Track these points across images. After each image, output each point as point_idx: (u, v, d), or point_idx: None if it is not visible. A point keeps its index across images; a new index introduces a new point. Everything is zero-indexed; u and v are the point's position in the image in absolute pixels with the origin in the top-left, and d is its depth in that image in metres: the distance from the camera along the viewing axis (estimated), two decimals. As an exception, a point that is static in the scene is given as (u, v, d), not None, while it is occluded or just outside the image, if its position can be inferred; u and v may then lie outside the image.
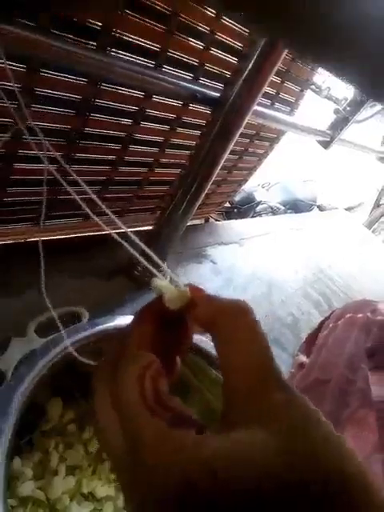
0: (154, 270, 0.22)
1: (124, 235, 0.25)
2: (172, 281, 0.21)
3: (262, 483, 0.14)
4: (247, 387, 0.16)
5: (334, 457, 0.14)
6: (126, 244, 0.23)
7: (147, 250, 0.23)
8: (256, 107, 0.52)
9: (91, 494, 0.40)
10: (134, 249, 0.24)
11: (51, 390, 0.43)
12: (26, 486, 0.37)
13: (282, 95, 0.70)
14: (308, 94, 1.03)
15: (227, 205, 1.48)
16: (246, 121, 0.50)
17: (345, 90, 0.97)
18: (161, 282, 0.20)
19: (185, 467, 0.14)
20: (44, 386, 0.38)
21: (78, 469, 0.41)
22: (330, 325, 0.69)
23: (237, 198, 1.74)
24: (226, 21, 0.48)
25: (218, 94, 0.52)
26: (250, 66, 0.46)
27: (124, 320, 0.45)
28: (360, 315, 0.70)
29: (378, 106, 0.96)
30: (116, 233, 0.25)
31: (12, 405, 0.34)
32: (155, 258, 0.23)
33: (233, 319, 0.18)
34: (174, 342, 0.21)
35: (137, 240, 0.24)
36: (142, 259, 0.23)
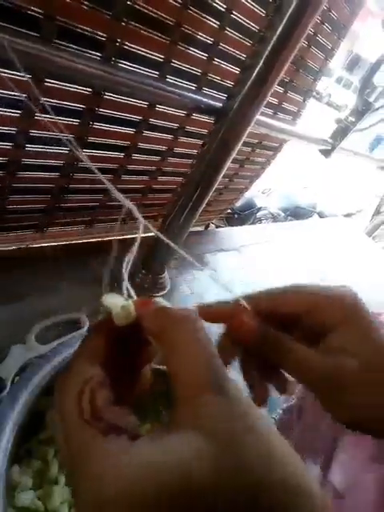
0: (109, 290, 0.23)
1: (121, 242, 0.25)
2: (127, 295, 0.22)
3: (185, 492, 0.14)
4: (186, 393, 0.16)
5: (261, 465, 0.14)
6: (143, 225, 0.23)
7: (161, 236, 0.24)
8: (259, 117, 0.53)
9: (90, 504, 0.40)
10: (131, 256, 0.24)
11: (51, 399, 0.43)
12: (24, 495, 0.37)
13: (285, 105, 0.71)
14: (309, 101, 1.04)
15: (228, 211, 1.48)
16: (248, 131, 0.51)
17: (345, 97, 0.98)
18: (109, 299, 0.21)
19: (109, 475, 0.14)
20: (44, 394, 0.38)
21: (77, 478, 0.41)
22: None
23: (237, 204, 1.74)
24: (229, 31, 0.49)
25: (220, 105, 0.52)
26: (253, 76, 0.46)
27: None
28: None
29: (380, 115, 0.97)
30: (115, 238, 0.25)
31: (11, 413, 0.34)
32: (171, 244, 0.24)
33: (172, 329, 0.18)
34: (136, 354, 0.22)
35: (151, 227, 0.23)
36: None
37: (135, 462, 0.15)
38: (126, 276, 0.23)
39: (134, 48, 0.41)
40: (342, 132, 0.86)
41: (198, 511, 0.14)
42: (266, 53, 0.45)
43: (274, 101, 0.68)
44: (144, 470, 0.14)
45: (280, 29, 0.43)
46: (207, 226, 1.22)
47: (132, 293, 0.22)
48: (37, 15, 0.33)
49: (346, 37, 0.71)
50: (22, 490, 0.37)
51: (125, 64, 0.42)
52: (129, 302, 0.20)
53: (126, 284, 0.23)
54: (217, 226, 1.33)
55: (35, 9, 0.33)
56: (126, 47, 0.40)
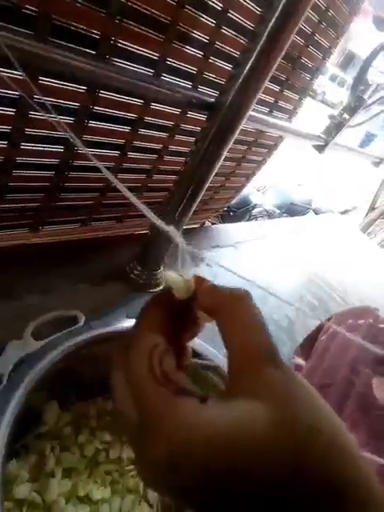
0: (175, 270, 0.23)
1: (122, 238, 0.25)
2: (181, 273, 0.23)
3: (255, 450, 0.15)
4: (246, 364, 0.18)
5: (313, 425, 0.16)
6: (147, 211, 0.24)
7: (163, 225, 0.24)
8: (252, 113, 0.53)
9: (87, 497, 0.41)
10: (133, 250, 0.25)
11: (47, 394, 0.43)
12: (22, 488, 0.37)
13: (281, 103, 0.71)
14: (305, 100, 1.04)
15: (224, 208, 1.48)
16: (241, 126, 0.51)
17: (339, 95, 0.98)
18: (170, 274, 0.22)
19: (183, 431, 0.16)
20: (40, 389, 0.38)
21: (74, 471, 0.42)
22: (330, 330, 0.70)
23: (233, 201, 1.75)
24: (225, 30, 0.49)
25: (213, 100, 0.53)
26: (245, 71, 0.46)
27: (120, 324, 0.46)
28: (361, 321, 0.71)
29: (372, 112, 0.97)
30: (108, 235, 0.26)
31: (8, 408, 0.35)
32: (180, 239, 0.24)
33: (232, 305, 0.20)
34: (183, 330, 0.23)
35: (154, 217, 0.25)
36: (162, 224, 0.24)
37: (207, 420, 0.16)
38: (182, 247, 0.23)
39: (128, 46, 0.41)
40: (335, 128, 0.87)
41: (262, 462, 0.15)
42: (258, 48, 0.45)
43: (270, 99, 0.68)
44: (216, 428, 0.16)
45: (271, 24, 0.44)
46: (203, 224, 1.22)
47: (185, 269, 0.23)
48: (31, 13, 0.34)
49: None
50: (19, 483, 0.38)
51: (119, 62, 0.42)
52: (191, 278, 0.22)
53: (181, 254, 0.24)
54: (212, 224, 1.33)
55: (30, 7, 0.33)
56: (120, 45, 0.41)
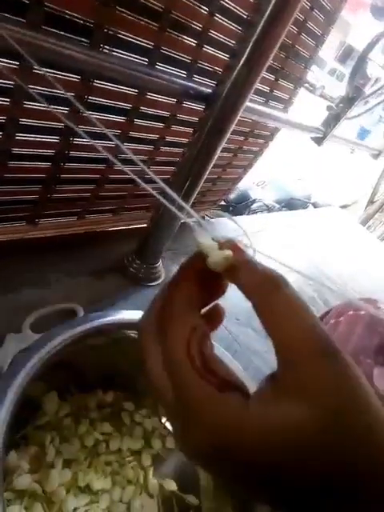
0: (201, 222, 0.21)
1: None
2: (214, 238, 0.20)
3: (291, 457, 0.15)
4: (293, 357, 0.16)
5: (375, 455, 0.15)
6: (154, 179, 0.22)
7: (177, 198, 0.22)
8: (249, 104, 0.53)
9: (87, 487, 0.41)
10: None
11: (46, 385, 0.43)
12: (22, 479, 0.37)
13: (276, 93, 0.71)
14: (302, 92, 1.04)
15: (222, 203, 1.48)
16: (238, 116, 0.51)
17: (338, 89, 0.98)
18: (206, 242, 0.20)
19: (226, 430, 0.16)
20: (39, 380, 0.38)
21: (74, 462, 0.42)
22: (331, 321, 0.70)
23: (232, 196, 1.74)
24: (219, 18, 0.49)
25: (210, 90, 0.52)
26: (242, 61, 0.46)
27: (117, 315, 0.45)
28: (363, 312, 0.71)
29: (370, 104, 0.97)
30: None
31: (6, 399, 0.35)
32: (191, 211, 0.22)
33: (270, 289, 0.18)
34: (209, 294, 0.21)
35: (168, 189, 0.23)
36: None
37: (251, 422, 0.15)
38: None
39: (122, 35, 0.41)
40: (333, 119, 0.86)
41: (310, 468, 0.15)
42: (254, 37, 0.45)
43: (266, 89, 0.68)
44: (260, 431, 0.15)
45: (267, 13, 0.43)
46: (203, 218, 1.22)
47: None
48: (24, 0, 0.33)
49: (339, 29, 0.70)
50: (19, 474, 0.38)
51: (114, 51, 0.41)
52: (229, 253, 0.19)
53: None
54: (211, 219, 1.33)
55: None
56: (114, 34, 0.40)
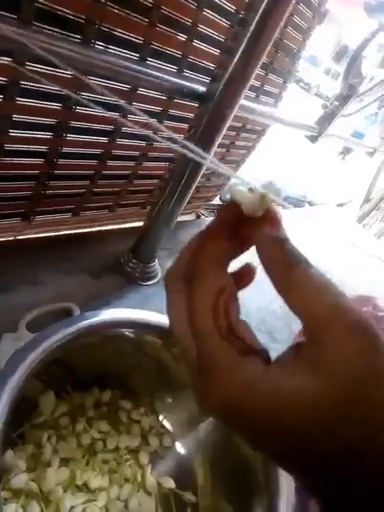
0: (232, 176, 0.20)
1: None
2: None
3: (303, 427, 0.15)
4: (321, 335, 0.15)
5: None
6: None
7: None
8: (243, 102, 0.53)
9: (85, 485, 0.41)
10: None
11: (43, 384, 0.43)
12: (18, 478, 0.37)
13: (267, 87, 0.71)
14: (298, 90, 1.04)
15: (218, 202, 1.48)
16: (232, 114, 0.51)
17: (333, 88, 0.98)
18: (238, 188, 0.18)
19: (242, 395, 0.16)
20: (35, 379, 0.38)
21: (71, 460, 0.41)
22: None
23: (228, 195, 1.74)
24: (207, 12, 0.49)
25: (204, 89, 0.52)
26: (236, 59, 0.46)
27: (113, 313, 0.45)
28: (364, 309, 0.71)
29: (365, 101, 0.97)
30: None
31: (2, 398, 0.35)
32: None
33: (297, 266, 0.17)
34: (236, 253, 0.20)
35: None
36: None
37: (268, 389, 0.15)
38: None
39: (113, 30, 0.41)
40: (328, 117, 0.86)
41: (320, 437, 0.14)
42: (248, 35, 0.45)
43: (256, 83, 0.68)
44: (275, 399, 0.15)
45: (261, 10, 0.43)
46: (198, 217, 1.22)
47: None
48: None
49: (333, 28, 0.71)
50: (16, 473, 0.38)
51: (105, 46, 0.41)
52: (265, 192, 0.18)
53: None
54: (207, 218, 1.33)
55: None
56: (105, 29, 0.40)
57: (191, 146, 0.21)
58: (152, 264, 0.68)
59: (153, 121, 0.22)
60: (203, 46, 0.53)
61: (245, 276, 0.21)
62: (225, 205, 0.20)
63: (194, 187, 0.57)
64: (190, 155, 0.22)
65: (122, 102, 0.25)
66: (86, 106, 0.45)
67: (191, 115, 0.60)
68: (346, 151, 1.26)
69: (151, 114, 0.55)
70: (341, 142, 1.08)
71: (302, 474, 0.16)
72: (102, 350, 0.46)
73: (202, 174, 0.56)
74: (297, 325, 0.73)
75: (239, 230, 0.19)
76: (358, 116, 0.95)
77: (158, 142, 0.60)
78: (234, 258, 0.20)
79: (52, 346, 0.39)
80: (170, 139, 0.22)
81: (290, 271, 0.17)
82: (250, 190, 0.18)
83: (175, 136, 0.21)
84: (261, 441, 0.16)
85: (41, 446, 0.40)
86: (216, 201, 1.38)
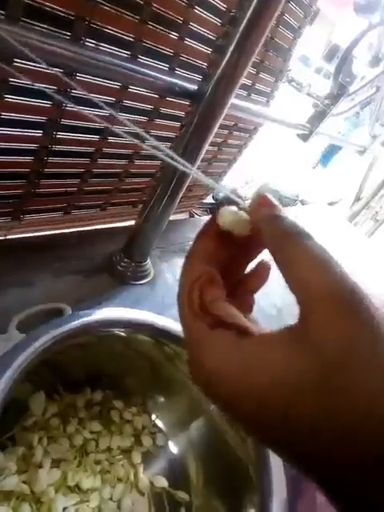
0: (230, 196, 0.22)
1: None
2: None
3: (277, 402, 0.14)
4: (310, 313, 0.15)
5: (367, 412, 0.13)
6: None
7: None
8: (235, 100, 0.53)
9: (77, 486, 0.40)
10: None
11: (33, 385, 0.43)
12: (9, 480, 0.36)
13: (258, 86, 0.71)
14: (289, 90, 1.05)
15: (211, 201, 1.48)
16: (224, 113, 0.51)
17: (325, 87, 0.99)
18: (225, 209, 0.21)
19: (214, 365, 0.16)
20: (25, 380, 0.38)
21: (62, 461, 0.41)
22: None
23: (221, 194, 1.74)
24: (198, 10, 0.49)
25: (195, 87, 0.52)
26: (227, 58, 0.46)
27: (104, 313, 0.45)
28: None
29: (356, 100, 0.98)
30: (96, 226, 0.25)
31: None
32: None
33: (292, 243, 0.17)
34: (245, 257, 0.23)
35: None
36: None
37: (240, 357, 0.16)
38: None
39: (103, 27, 0.41)
40: (318, 116, 0.87)
41: (295, 420, 0.14)
42: (238, 34, 0.45)
43: (248, 82, 0.68)
44: (244, 367, 0.15)
45: (251, 8, 0.43)
46: (191, 216, 1.22)
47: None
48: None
49: (324, 27, 0.72)
50: (7, 475, 0.37)
51: (95, 44, 0.41)
52: (245, 217, 0.20)
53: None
54: (200, 216, 1.33)
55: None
56: (95, 26, 0.40)
57: (176, 156, 0.23)
58: (144, 263, 0.68)
59: (140, 131, 0.22)
60: (195, 45, 0.52)
61: (260, 272, 0.23)
62: (207, 223, 0.22)
63: (185, 187, 0.57)
64: (176, 165, 0.23)
65: (108, 110, 0.24)
66: (76, 104, 0.45)
67: (183, 114, 0.60)
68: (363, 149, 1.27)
69: (143, 112, 0.54)
70: (332, 140, 1.08)
71: (292, 455, 0.15)
72: (94, 349, 0.46)
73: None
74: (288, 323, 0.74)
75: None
76: (339, 118, 0.95)
77: (145, 149, 0.60)
78: (232, 254, 0.22)
79: (42, 346, 0.39)
80: (155, 148, 0.23)
81: (287, 244, 0.17)
82: (239, 207, 0.21)
83: (161, 145, 0.22)
84: (240, 413, 0.16)
85: (32, 447, 0.40)
86: (209, 199, 1.38)
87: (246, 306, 0.22)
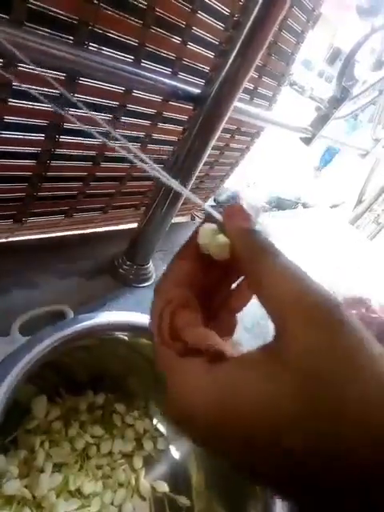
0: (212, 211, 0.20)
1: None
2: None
3: (252, 430, 0.13)
4: (281, 329, 0.15)
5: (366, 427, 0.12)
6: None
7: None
8: (237, 104, 0.53)
9: (78, 491, 0.40)
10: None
11: (36, 388, 0.43)
12: (11, 484, 0.36)
13: (260, 90, 0.71)
14: (292, 93, 1.05)
15: (212, 203, 1.48)
16: (227, 117, 0.51)
17: (327, 90, 0.99)
18: (204, 229, 0.19)
19: (183, 395, 0.15)
20: (28, 383, 0.38)
21: (64, 466, 0.41)
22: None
23: (222, 197, 1.75)
24: (201, 15, 0.49)
25: (198, 91, 0.52)
26: (230, 62, 0.46)
27: (107, 316, 0.45)
28: (354, 312, 0.71)
29: (358, 104, 0.98)
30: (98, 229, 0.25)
31: (-5, 404, 0.34)
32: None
33: (261, 261, 0.16)
34: (228, 277, 0.21)
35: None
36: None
37: (214, 387, 0.15)
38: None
39: (106, 31, 0.41)
40: (321, 120, 0.87)
41: (269, 445, 0.13)
42: (241, 38, 0.45)
43: (250, 86, 0.68)
44: (217, 396, 0.14)
45: (254, 13, 0.43)
46: (193, 219, 1.22)
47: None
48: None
49: (326, 31, 0.72)
50: (8, 479, 0.37)
51: (98, 48, 0.41)
52: (225, 241, 0.18)
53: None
54: (202, 218, 1.33)
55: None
56: (98, 30, 0.40)
57: (167, 176, 0.22)
58: (146, 266, 0.68)
59: (136, 151, 0.22)
60: (198, 49, 0.53)
61: (242, 292, 0.21)
62: (187, 243, 0.21)
63: (188, 189, 0.57)
64: (167, 182, 0.22)
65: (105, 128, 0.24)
66: (79, 108, 0.45)
67: (186, 117, 0.60)
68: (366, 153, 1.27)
69: (146, 116, 0.54)
70: (334, 144, 1.08)
71: (267, 478, 0.14)
72: (97, 352, 0.45)
73: (195, 176, 0.56)
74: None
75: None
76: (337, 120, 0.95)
77: (137, 165, 0.60)
78: (213, 274, 0.21)
79: (45, 349, 0.39)
80: (145, 162, 0.22)
81: (259, 260, 0.16)
82: (219, 228, 0.19)
83: (155, 166, 0.22)
84: (223, 449, 0.15)
85: (34, 451, 0.40)
86: (210, 202, 1.38)
87: (228, 329, 0.21)
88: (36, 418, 0.42)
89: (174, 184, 0.21)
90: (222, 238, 0.19)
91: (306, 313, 0.14)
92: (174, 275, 0.20)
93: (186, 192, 0.21)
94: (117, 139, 0.23)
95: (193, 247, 0.20)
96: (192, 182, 0.56)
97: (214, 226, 0.19)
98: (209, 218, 0.20)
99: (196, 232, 0.20)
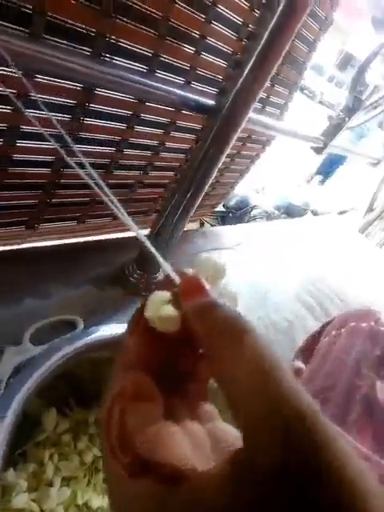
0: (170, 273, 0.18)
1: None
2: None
3: None
4: (239, 423, 0.12)
5: None
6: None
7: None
8: (251, 114, 0.53)
9: (86, 505, 0.40)
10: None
11: (46, 400, 0.42)
12: (20, 498, 0.36)
13: (272, 98, 0.71)
14: (302, 98, 1.04)
15: (222, 209, 1.48)
16: (241, 128, 0.50)
17: (337, 96, 0.98)
18: (153, 297, 0.17)
19: None
20: (39, 396, 0.37)
21: (73, 480, 0.40)
22: (333, 332, 0.69)
23: (232, 202, 1.75)
24: (215, 25, 0.49)
25: (212, 102, 0.52)
26: (246, 73, 0.46)
27: (119, 328, 0.45)
28: (364, 324, 0.70)
29: (372, 113, 0.97)
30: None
31: (6, 416, 0.34)
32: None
33: (228, 347, 0.14)
34: (193, 345, 0.17)
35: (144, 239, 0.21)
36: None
37: None
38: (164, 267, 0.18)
39: (123, 43, 0.41)
40: (333, 129, 0.86)
41: None
42: (258, 49, 0.45)
43: (263, 95, 0.68)
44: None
45: (271, 25, 0.43)
46: (202, 224, 1.22)
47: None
48: (27, 10, 0.33)
49: (337, 36, 0.71)
50: (17, 492, 0.37)
51: (115, 59, 0.41)
52: (172, 314, 0.16)
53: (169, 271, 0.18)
54: (212, 226, 1.33)
55: (25, 4, 0.33)
56: (115, 42, 0.40)
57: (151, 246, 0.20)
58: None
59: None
60: (211, 58, 0.52)
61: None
62: (134, 316, 0.18)
63: (199, 200, 0.56)
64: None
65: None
66: (94, 118, 0.45)
67: (199, 126, 0.60)
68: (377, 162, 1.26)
69: (159, 124, 0.54)
70: (345, 153, 1.08)
71: None
72: (106, 364, 0.45)
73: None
74: (299, 340, 0.73)
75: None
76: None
77: (159, 160, 0.60)
78: (173, 345, 0.17)
79: (56, 363, 0.39)
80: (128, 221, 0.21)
81: (222, 345, 0.14)
82: (173, 300, 0.16)
83: (136, 229, 0.20)
84: None
85: (43, 464, 0.40)
86: (220, 208, 1.38)
87: (199, 395, 0.18)
88: (46, 431, 0.41)
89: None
90: (168, 310, 0.16)
91: (277, 432, 0.11)
92: (124, 358, 0.17)
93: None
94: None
95: (142, 320, 0.17)
96: (205, 189, 0.56)
97: (165, 294, 0.17)
98: (162, 285, 0.18)
99: (144, 303, 0.17)
